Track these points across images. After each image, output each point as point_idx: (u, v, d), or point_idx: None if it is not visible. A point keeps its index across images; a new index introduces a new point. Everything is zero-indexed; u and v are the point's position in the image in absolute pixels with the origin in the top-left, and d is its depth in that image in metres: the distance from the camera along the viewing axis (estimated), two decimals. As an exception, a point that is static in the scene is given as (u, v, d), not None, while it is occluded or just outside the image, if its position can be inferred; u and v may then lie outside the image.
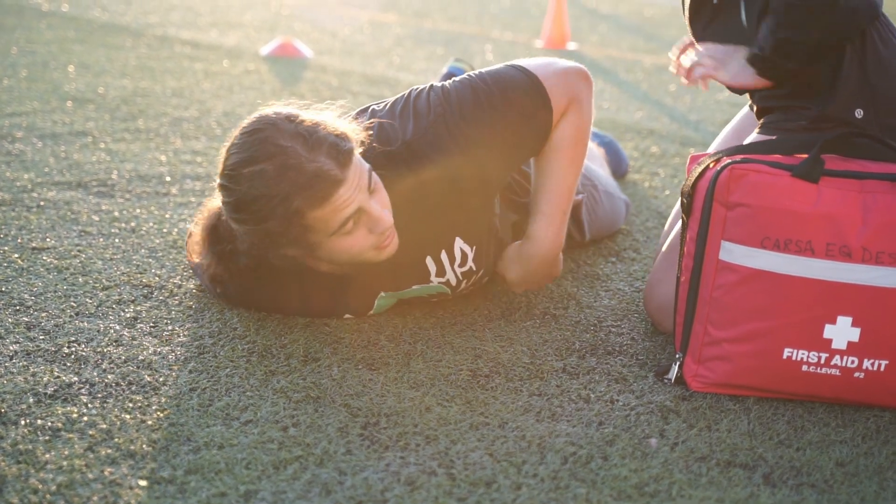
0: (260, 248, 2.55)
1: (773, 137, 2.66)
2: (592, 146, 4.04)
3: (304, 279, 2.75)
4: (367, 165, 2.53)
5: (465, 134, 2.64)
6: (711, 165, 2.51)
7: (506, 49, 7.42)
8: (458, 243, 2.79)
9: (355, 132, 2.56)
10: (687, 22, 2.89)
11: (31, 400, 2.32)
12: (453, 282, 2.85)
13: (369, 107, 2.78)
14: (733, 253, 2.44)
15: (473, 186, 2.71)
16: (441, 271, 2.81)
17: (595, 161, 3.83)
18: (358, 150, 2.53)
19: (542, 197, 2.78)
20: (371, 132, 2.65)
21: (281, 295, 2.79)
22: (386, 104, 2.74)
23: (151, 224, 3.49)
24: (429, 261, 2.79)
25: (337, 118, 2.56)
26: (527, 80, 2.71)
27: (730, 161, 2.47)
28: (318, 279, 2.74)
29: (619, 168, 4.29)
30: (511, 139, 2.69)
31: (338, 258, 2.60)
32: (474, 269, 2.86)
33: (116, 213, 3.57)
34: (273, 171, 2.41)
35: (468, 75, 2.73)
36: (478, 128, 2.65)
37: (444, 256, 2.79)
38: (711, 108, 5.87)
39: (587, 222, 3.37)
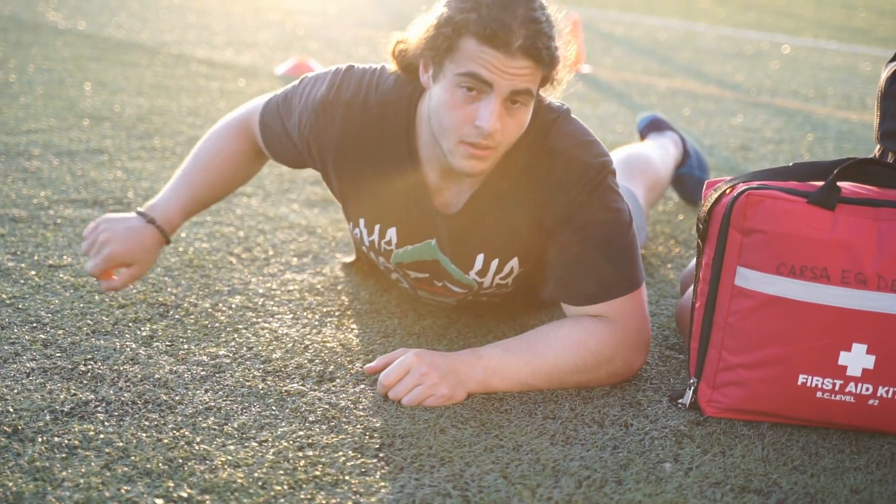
0: (437, 17, 2.49)
1: (789, 164, 2.67)
2: (660, 166, 3.99)
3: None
4: (535, 91, 2.47)
5: (599, 203, 2.61)
6: (727, 192, 2.52)
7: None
8: (514, 262, 2.77)
9: (567, 61, 2.53)
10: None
11: (47, 417, 2.33)
12: (486, 285, 2.83)
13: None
14: (749, 279, 2.45)
15: (551, 233, 2.67)
16: (483, 272, 2.79)
17: (641, 182, 3.78)
18: (555, 76, 2.50)
19: (525, 351, 2.62)
20: (559, 107, 2.67)
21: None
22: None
23: (167, 242, 3.51)
24: (479, 258, 2.76)
25: (571, 51, 2.55)
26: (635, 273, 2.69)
27: (746, 187, 2.48)
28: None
29: (694, 197, 4.32)
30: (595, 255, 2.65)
31: (436, 109, 2.50)
32: (509, 285, 2.85)
33: (133, 232, 3.58)
34: None
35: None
36: (604, 216, 2.62)
37: (494, 264, 2.77)
38: (726, 132, 5.88)
39: None
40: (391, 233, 2.79)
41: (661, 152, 4.07)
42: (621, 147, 4.09)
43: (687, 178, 4.24)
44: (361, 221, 2.83)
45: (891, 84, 2.74)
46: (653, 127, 4.35)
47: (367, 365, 2.58)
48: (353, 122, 2.69)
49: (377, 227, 2.80)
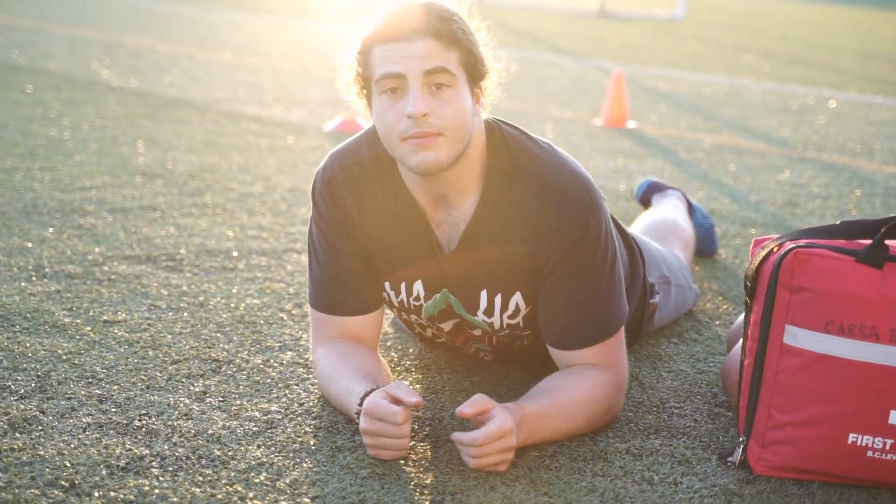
0: (348, 57, 2.64)
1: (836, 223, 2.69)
2: (685, 224, 4.05)
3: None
4: (454, 70, 2.53)
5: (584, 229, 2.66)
6: (775, 250, 2.54)
7: (565, 127, 7.49)
8: (517, 297, 2.79)
9: (487, 49, 2.63)
10: None
11: (104, 472, 2.37)
12: (496, 326, 2.84)
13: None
14: (797, 337, 2.46)
15: (547, 267, 2.71)
16: (490, 311, 2.81)
17: (677, 244, 3.84)
18: (479, 62, 2.59)
19: (556, 413, 2.63)
20: (499, 124, 2.73)
21: None
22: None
23: (219, 298, 3.56)
24: (483, 295, 2.79)
25: (482, 35, 2.65)
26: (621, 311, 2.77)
27: (794, 245, 2.49)
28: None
29: (708, 248, 4.34)
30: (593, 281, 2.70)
31: (376, 121, 2.61)
32: (521, 325, 2.85)
33: (185, 288, 3.64)
34: (387, 4, 2.58)
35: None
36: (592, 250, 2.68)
37: (498, 300, 2.79)
38: (772, 188, 5.88)
39: (657, 319, 3.39)
40: (417, 287, 2.82)
41: (678, 211, 4.13)
42: (642, 216, 4.12)
43: (696, 227, 4.28)
44: (387, 284, 2.84)
45: None
46: (653, 190, 4.41)
47: (458, 411, 2.48)
48: (355, 179, 2.76)
49: (402, 284, 2.82)
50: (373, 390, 2.56)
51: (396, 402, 2.49)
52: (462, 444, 2.46)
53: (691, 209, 4.31)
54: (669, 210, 4.12)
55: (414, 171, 2.58)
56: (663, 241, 3.71)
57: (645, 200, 4.44)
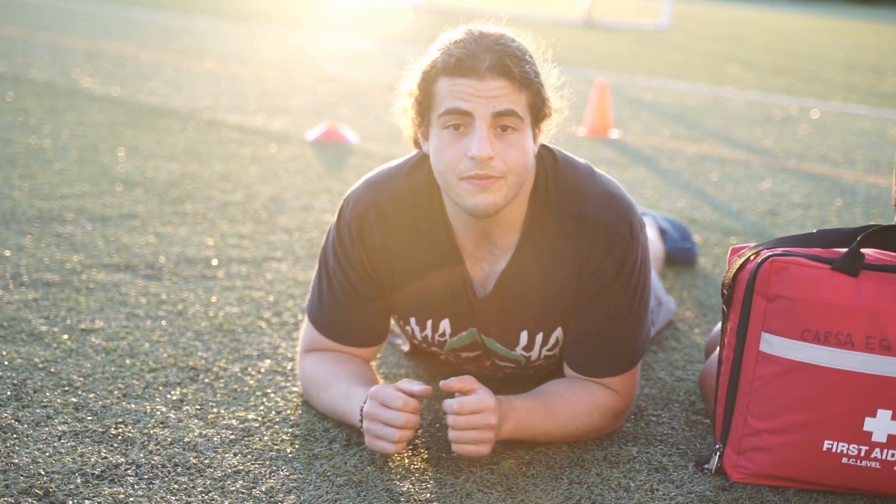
0: (410, 83, 2.58)
1: (813, 231, 2.69)
2: (658, 243, 4.06)
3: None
4: (521, 113, 2.47)
5: (625, 265, 2.64)
6: (752, 258, 2.54)
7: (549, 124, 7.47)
8: (558, 332, 2.77)
9: (553, 93, 2.58)
10: None
11: (78, 480, 2.36)
12: (533, 358, 2.83)
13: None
14: (773, 345, 2.46)
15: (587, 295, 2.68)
16: (529, 347, 2.79)
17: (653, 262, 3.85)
18: (545, 103, 2.54)
19: (546, 415, 2.64)
20: (554, 154, 2.69)
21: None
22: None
23: (198, 307, 3.55)
24: (524, 335, 2.77)
25: (555, 84, 2.61)
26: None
27: (770, 254, 2.50)
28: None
29: (688, 259, 4.35)
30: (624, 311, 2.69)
31: (433, 161, 2.54)
32: (557, 355, 2.84)
33: (164, 296, 3.63)
34: (454, 33, 2.52)
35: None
36: (626, 282, 2.66)
37: (539, 337, 2.77)
38: (753, 197, 5.89)
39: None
40: (444, 325, 2.79)
41: (650, 231, 4.12)
42: None
43: (675, 253, 4.28)
44: (413, 320, 2.82)
45: None
46: None
47: (444, 383, 2.49)
48: (387, 218, 2.69)
49: (429, 322, 2.80)
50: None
51: (402, 392, 2.49)
52: (444, 410, 2.48)
53: (662, 232, 4.30)
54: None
55: (470, 212, 2.51)
56: None
57: None
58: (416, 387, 2.48)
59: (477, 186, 2.46)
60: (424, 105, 2.53)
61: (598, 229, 2.61)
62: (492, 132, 2.45)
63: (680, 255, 4.33)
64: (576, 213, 2.63)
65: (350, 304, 2.76)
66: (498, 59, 2.43)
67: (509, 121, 2.46)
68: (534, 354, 2.80)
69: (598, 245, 2.61)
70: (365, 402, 2.55)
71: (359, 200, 2.71)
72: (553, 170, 2.66)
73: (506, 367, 2.90)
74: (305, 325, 2.87)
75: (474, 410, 2.46)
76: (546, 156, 2.68)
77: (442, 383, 2.49)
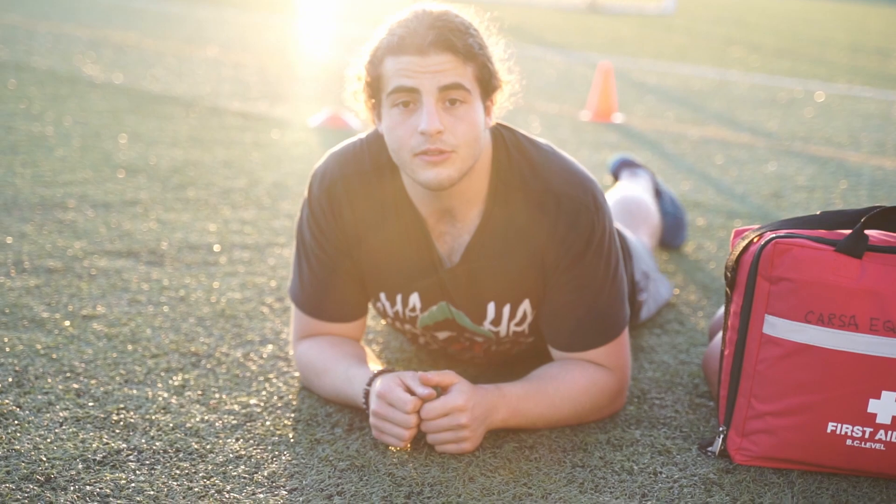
0: (358, 67, 2.58)
1: (816, 213, 2.68)
2: (653, 209, 4.05)
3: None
4: (468, 86, 2.47)
5: (599, 232, 2.65)
6: (755, 240, 2.53)
7: (552, 121, 7.47)
8: (525, 305, 2.78)
9: (501, 65, 2.58)
10: None
11: (80, 466, 2.36)
12: (502, 334, 2.83)
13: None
14: (777, 327, 2.45)
15: (556, 270, 2.68)
16: (497, 321, 2.79)
17: (645, 229, 3.83)
18: (494, 77, 2.54)
19: (540, 399, 2.64)
20: (506, 131, 2.69)
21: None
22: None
23: (200, 293, 3.54)
24: (491, 307, 2.77)
25: (499, 49, 2.60)
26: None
27: (773, 236, 2.48)
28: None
29: (673, 240, 4.33)
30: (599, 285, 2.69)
31: (386, 139, 2.55)
32: (526, 332, 2.84)
33: (166, 282, 3.62)
34: (398, 13, 2.52)
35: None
36: (601, 253, 2.66)
37: (506, 310, 2.77)
38: (758, 180, 5.88)
39: (642, 315, 3.38)
40: (414, 299, 2.79)
41: (647, 195, 4.13)
42: (612, 190, 4.12)
43: (664, 216, 4.27)
44: (382, 295, 2.82)
45: None
46: (625, 166, 4.41)
47: (422, 375, 2.50)
48: (355, 191, 2.71)
49: (399, 296, 2.80)
50: (380, 373, 2.58)
51: (409, 391, 2.49)
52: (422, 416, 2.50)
53: (658, 193, 4.30)
54: (639, 191, 4.12)
55: (425, 186, 2.52)
56: (633, 225, 3.71)
57: (615, 174, 4.46)
58: (422, 390, 2.48)
59: (429, 162, 2.48)
60: (374, 86, 2.54)
61: (562, 201, 2.62)
62: (440, 106, 2.46)
63: (670, 228, 4.30)
64: (540, 188, 2.64)
65: (330, 277, 2.78)
66: (440, 34, 2.44)
67: (456, 94, 2.47)
68: (502, 329, 2.80)
69: (562, 217, 2.62)
70: (368, 385, 2.55)
71: (326, 175, 2.74)
72: (514, 145, 2.68)
73: (480, 343, 2.89)
74: (293, 311, 2.87)
75: (442, 414, 2.48)
76: (505, 132, 2.70)
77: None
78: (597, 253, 2.65)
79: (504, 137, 2.68)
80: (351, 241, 2.74)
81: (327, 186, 2.72)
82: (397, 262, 2.74)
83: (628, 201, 3.95)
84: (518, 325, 2.80)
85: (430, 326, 2.85)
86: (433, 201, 2.64)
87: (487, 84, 2.54)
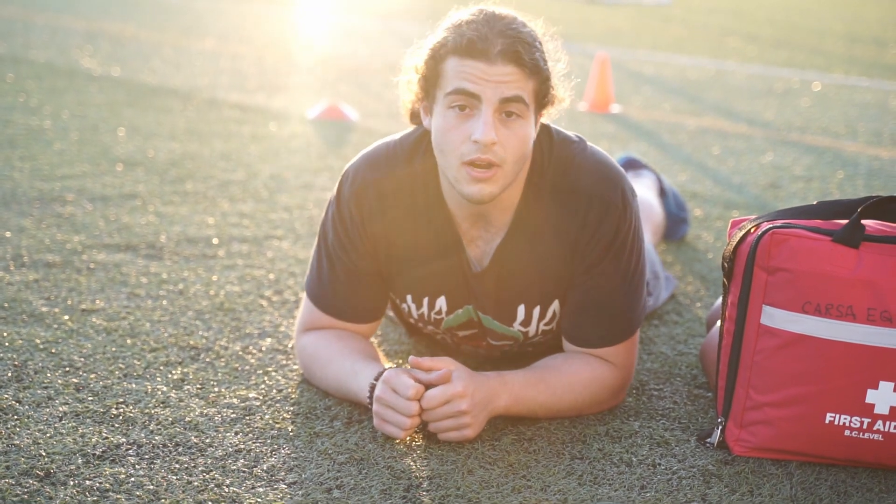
0: (416, 59, 2.56)
1: (813, 203, 2.68)
2: (657, 208, 4.06)
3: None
4: (528, 100, 2.46)
5: (625, 237, 2.64)
6: (752, 230, 2.53)
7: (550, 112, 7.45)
8: (555, 305, 2.77)
9: (559, 81, 2.56)
10: None
11: (79, 461, 2.36)
12: (531, 334, 2.82)
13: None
14: (774, 317, 2.45)
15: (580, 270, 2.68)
16: (527, 322, 2.79)
17: (648, 227, 3.84)
18: (551, 91, 2.52)
19: (543, 388, 2.64)
20: (558, 135, 2.68)
21: None
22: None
23: (199, 286, 3.55)
24: (521, 309, 2.76)
25: (562, 70, 2.59)
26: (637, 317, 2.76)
27: (770, 226, 2.49)
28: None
29: (674, 235, 4.33)
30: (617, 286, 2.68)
31: (435, 139, 2.52)
32: (555, 329, 2.84)
33: (164, 276, 3.63)
34: (464, 13, 2.50)
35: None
36: (626, 254, 2.66)
37: (536, 311, 2.77)
38: (755, 171, 5.88)
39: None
40: (440, 302, 2.79)
41: (651, 193, 4.13)
42: None
43: (667, 215, 4.27)
44: (409, 297, 2.81)
45: None
46: (629, 167, 4.41)
47: (413, 358, 2.51)
48: (386, 196, 2.68)
49: (425, 299, 2.79)
50: (387, 370, 2.57)
51: (414, 379, 2.50)
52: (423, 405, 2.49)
53: (662, 192, 4.31)
54: (643, 191, 4.12)
55: (466, 199, 2.51)
56: None
57: None
58: (425, 376, 2.49)
59: (475, 178, 2.46)
60: (431, 82, 2.51)
61: (591, 200, 2.61)
62: (496, 117, 2.44)
63: (671, 224, 4.31)
64: (569, 187, 2.63)
65: (350, 280, 2.76)
66: (510, 45, 2.42)
67: (515, 107, 2.45)
68: (531, 329, 2.80)
69: (591, 215, 2.61)
70: (375, 380, 2.55)
71: (357, 177, 2.70)
72: (549, 148, 2.66)
73: (503, 346, 2.89)
74: (304, 303, 2.86)
75: (442, 402, 2.48)
76: (542, 134, 2.68)
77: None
78: (619, 251, 2.64)
79: (541, 139, 2.67)
80: (379, 245, 2.73)
81: (358, 189, 2.70)
82: (426, 266, 2.73)
83: None
84: (547, 324, 2.80)
85: (453, 327, 2.86)
86: (469, 207, 2.62)
87: (544, 99, 2.53)
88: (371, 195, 2.68)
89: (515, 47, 2.42)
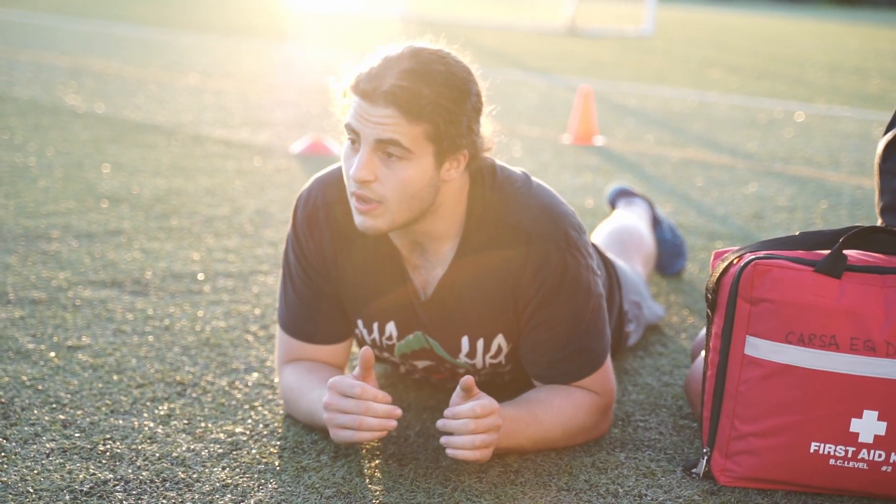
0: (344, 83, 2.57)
1: (795, 234, 2.70)
2: (648, 238, 4.07)
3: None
4: (408, 145, 2.44)
5: (574, 271, 2.65)
6: (735, 261, 2.55)
7: (534, 145, 7.50)
8: (499, 339, 2.78)
9: (472, 129, 2.52)
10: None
11: (67, 497, 2.36)
12: (479, 366, 2.83)
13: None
14: (758, 348, 2.47)
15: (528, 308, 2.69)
16: (472, 354, 2.80)
17: (638, 258, 3.84)
18: (444, 139, 2.47)
19: (531, 422, 2.65)
20: (495, 166, 2.69)
21: None
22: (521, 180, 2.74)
23: (185, 322, 3.55)
24: (464, 340, 2.78)
25: (483, 105, 2.56)
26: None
27: (753, 257, 2.51)
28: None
29: (670, 267, 4.32)
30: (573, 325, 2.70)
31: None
32: (503, 363, 2.85)
33: (150, 312, 3.63)
34: (388, 47, 2.51)
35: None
36: (575, 290, 2.67)
37: (480, 344, 2.78)
38: (738, 201, 5.91)
39: (629, 343, 3.40)
40: (390, 327, 2.80)
41: (642, 222, 4.15)
42: (605, 222, 4.13)
43: (661, 243, 4.28)
44: (360, 322, 2.83)
45: (884, 161, 2.78)
46: (621, 195, 4.43)
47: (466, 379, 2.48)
48: (336, 218, 2.73)
49: (375, 324, 2.81)
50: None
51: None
52: (458, 416, 2.46)
53: (656, 221, 4.32)
54: (633, 220, 4.14)
55: (358, 228, 2.57)
56: (626, 253, 3.72)
57: (612, 204, 4.48)
58: (372, 376, 2.51)
59: (357, 208, 2.52)
60: (343, 112, 2.57)
61: (531, 239, 2.63)
62: (377, 155, 2.47)
63: (668, 255, 4.31)
64: (512, 224, 2.64)
65: (313, 301, 2.80)
66: (393, 88, 2.41)
67: (393, 149, 2.45)
68: (478, 362, 2.81)
69: (532, 255, 2.63)
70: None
71: (309, 200, 2.77)
72: (491, 186, 2.66)
73: (461, 374, 2.89)
74: (278, 333, 2.88)
75: (489, 412, 2.47)
76: (485, 171, 2.68)
77: (462, 382, 2.48)
78: (572, 290, 2.65)
79: (483, 174, 2.67)
80: (330, 265, 2.76)
81: (309, 212, 2.76)
82: (374, 290, 2.76)
83: (621, 230, 3.96)
84: (493, 357, 2.81)
85: (407, 355, 2.86)
86: (402, 234, 2.66)
87: (443, 143, 2.48)
88: (321, 216, 2.74)
89: (398, 92, 2.41)
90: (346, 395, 2.49)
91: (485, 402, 2.47)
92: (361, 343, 2.92)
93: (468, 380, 2.47)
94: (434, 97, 2.43)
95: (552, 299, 2.65)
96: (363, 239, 2.71)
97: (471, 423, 2.46)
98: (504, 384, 2.97)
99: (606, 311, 2.79)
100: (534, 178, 2.76)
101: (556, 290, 2.64)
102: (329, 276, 2.78)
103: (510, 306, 2.69)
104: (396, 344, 2.83)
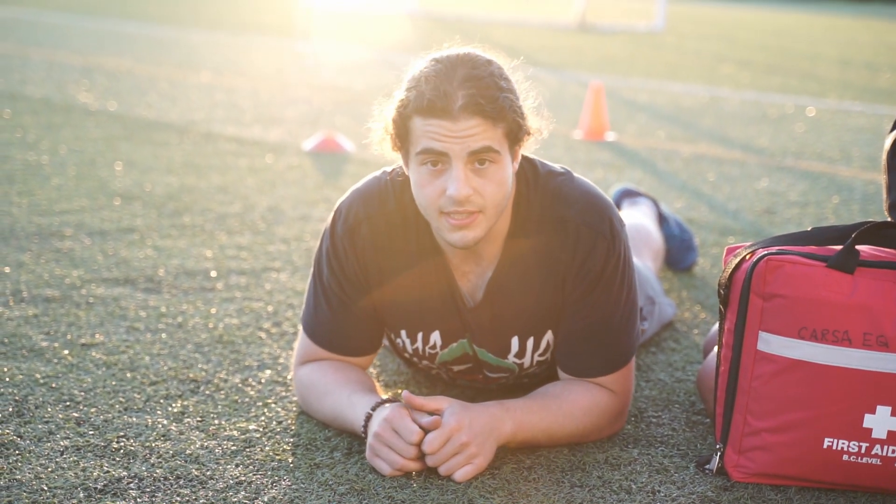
0: (385, 118, 2.56)
1: (807, 229, 2.70)
2: (656, 234, 4.07)
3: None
4: (498, 147, 2.46)
5: (615, 264, 2.66)
6: (747, 257, 2.55)
7: (545, 141, 7.47)
8: (548, 336, 2.79)
9: (529, 113, 2.55)
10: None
11: (81, 495, 2.37)
12: (526, 365, 2.84)
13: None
14: (771, 343, 2.47)
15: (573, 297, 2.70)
16: (521, 353, 2.80)
17: (648, 253, 3.84)
18: (524, 126, 2.51)
19: (545, 415, 2.65)
20: (538, 165, 2.70)
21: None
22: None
23: (198, 319, 3.56)
24: (514, 341, 2.78)
25: (531, 100, 2.58)
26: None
27: (765, 252, 2.51)
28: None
29: (681, 262, 4.32)
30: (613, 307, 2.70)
31: (414, 193, 2.55)
32: (549, 359, 2.85)
33: (163, 309, 3.64)
34: (423, 65, 2.49)
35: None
36: (614, 283, 2.68)
37: (530, 342, 2.78)
38: (750, 196, 5.90)
39: (643, 339, 3.40)
40: (434, 337, 2.80)
41: (648, 220, 4.15)
42: None
43: (669, 239, 4.28)
44: (403, 332, 2.83)
45: (892, 157, 2.77)
46: (625, 196, 4.43)
47: (407, 395, 2.52)
48: (379, 233, 2.70)
49: (420, 334, 2.81)
50: (387, 401, 2.60)
51: (415, 422, 2.51)
52: (430, 452, 2.49)
53: (661, 218, 4.32)
54: (640, 217, 4.14)
55: (452, 245, 2.55)
56: (635, 250, 3.72)
57: (617, 205, 4.47)
58: (426, 420, 2.50)
59: (455, 225, 2.49)
60: (402, 139, 2.53)
61: (580, 230, 2.63)
62: (469, 168, 2.46)
63: (678, 250, 4.31)
64: (557, 217, 2.65)
65: (345, 314, 2.77)
66: (470, 98, 2.42)
67: (486, 156, 2.46)
68: (526, 361, 2.81)
69: (580, 246, 2.63)
70: (372, 410, 2.57)
71: (350, 214, 2.73)
72: (534, 180, 2.68)
73: (499, 379, 2.90)
74: (301, 336, 2.87)
75: (442, 441, 2.48)
76: (526, 166, 2.69)
77: (404, 394, 2.53)
78: (610, 281, 2.66)
79: (525, 171, 2.68)
80: (372, 281, 2.74)
81: (351, 226, 2.72)
82: (420, 302, 2.75)
83: (628, 229, 3.96)
84: (542, 354, 2.81)
85: (448, 362, 2.87)
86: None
87: (516, 136, 2.52)
88: (364, 232, 2.70)
89: (477, 99, 2.42)
90: (401, 436, 2.49)
91: (435, 435, 2.48)
92: (402, 352, 2.92)
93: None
94: (501, 94, 2.46)
95: (592, 289, 2.66)
96: (409, 252, 2.70)
97: (428, 458, 2.49)
98: (532, 383, 2.97)
99: (637, 304, 2.78)
100: (573, 172, 2.76)
101: (597, 280, 2.65)
102: (368, 289, 2.76)
103: (558, 300, 2.70)
104: (440, 353, 2.83)
